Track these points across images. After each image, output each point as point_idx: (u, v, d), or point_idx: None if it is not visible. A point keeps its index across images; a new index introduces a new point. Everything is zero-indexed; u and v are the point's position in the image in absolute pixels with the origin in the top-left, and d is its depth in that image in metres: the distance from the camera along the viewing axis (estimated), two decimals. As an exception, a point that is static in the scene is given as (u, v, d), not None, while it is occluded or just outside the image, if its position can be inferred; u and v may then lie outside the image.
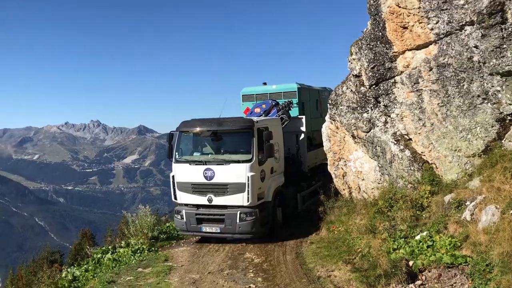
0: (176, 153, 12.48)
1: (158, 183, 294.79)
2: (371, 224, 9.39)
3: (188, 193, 12.04)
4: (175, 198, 12.36)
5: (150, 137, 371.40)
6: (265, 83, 15.73)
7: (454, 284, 6.34)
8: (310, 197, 14.83)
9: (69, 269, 12.00)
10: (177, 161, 12.37)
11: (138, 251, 11.70)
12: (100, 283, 9.23)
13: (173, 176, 12.33)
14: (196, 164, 11.95)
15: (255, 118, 12.70)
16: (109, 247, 12.69)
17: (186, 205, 12.17)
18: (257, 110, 14.06)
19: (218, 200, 11.68)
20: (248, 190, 11.37)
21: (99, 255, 12.02)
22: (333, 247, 9.50)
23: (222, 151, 12.35)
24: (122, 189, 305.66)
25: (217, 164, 11.75)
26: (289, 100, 14.67)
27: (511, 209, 6.56)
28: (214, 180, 11.64)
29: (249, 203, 11.41)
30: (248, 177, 11.38)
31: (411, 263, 7.18)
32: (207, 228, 11.86)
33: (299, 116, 14.84)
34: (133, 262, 10.87)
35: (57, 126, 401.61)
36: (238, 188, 11.45)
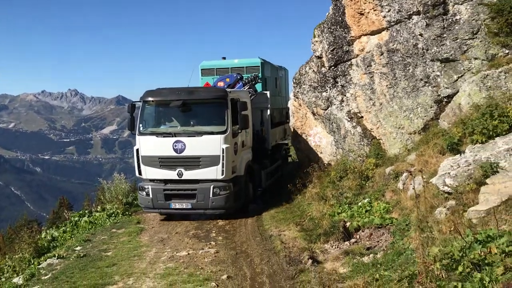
0: (140, 125, 11.54)
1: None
2: (323, 192, 10.52)
3: (155, 168, 11.26)
4: (140, 173, 11.55)
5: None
6: (224, 58, 15.02)
7: (380, 240, 7.49)
8: (271, 175, 14.20)
9: (47, 231, 12.92)
10: (141, 134, 11.46)
11: (113, 215, 12.64)
12: (77, 241, 10.17)
13: (137, 150, 11.47)
14: (164, 137, 11.17)
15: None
16: (86, 211, 13.60)
17: (152, 180, 11.42)
18: (220, 83, 13.15)
19: (189, 174, 11.00)
20: (222, 163, 10.79)
21: (76, 218, 12.93)
22: (289, 212, 10.63)
23: (191, 123, 11.53)
24: (100, 159, 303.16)
25: (188, 136, 10.99)
26: (255, 74, 13.87)
27: (431, 179, 7.70)
28: (185, 153, 10.94)
29: (223, 176, 10.84)
30: (222, 149, 10.76)
31: (348, 224, 8.32)
32: (177, 205, 11.16)
33: (264, 92, 14.08)
34: (108, 224, 11.84)
35: (33, 94, 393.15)
36: (211, 161, 10.85)
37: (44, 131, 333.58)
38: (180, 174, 11.03)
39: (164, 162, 11.14)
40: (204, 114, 11.66)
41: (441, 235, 5.94)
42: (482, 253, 4.73)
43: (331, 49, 12.25)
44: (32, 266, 8.89)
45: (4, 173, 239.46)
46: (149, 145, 11.31)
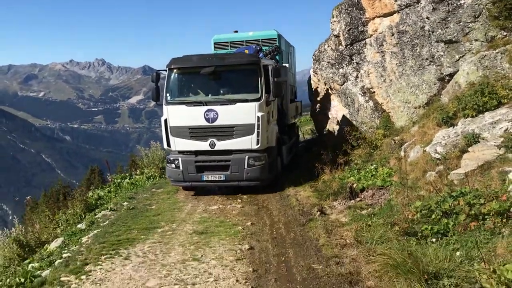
0: (167, 94, 11.03)
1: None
2: (333, 160, 11.87)
3: (185, 139, 10.77)
4: (168, 145, 11.07)
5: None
6: (236, 31, 14.67)
7: (380, 199, 8.84)
8: (289, 151, 13.91)
9: (94, 190, 14.73)
10: (169, 103, 10.93)
11: (151, 178, 14.33)
12: (123, 199, 11.86)
13: (165, 120, 10.92)
14: (194, 105, 10.68)
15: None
16: (127, 174, 15.34)
17: (182, 152, 10.97)
18: None
19: (222, 145, 10.58)
20: (257, 132, 10.41)
21: (118, 180, 14.72)
22: (307, 176, 12.01)
23: (223, 90, 11.07)
24: (128, 129, 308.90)
25: (220, 104, 10.51)
26: (276, 45, 13.63)
27: (427, 147, 8.98)
28: (217, 122, 10.45)
29: (258, 146, 10.49)
30: (258, 117, 10.37)
31: (354, 186, 9.69)
32: (210, 177, 10.74)
33: (284, 64, 14.06)
34: (147, 185, 13.53)
35: (61, 64, 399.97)
36: (246, 130, 10.44)
37: (73, 100, 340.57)
38: (212, 145, 10.61)
39: (195, 132, 10.68)
40: (236, 81, 11.13)
41: (428, 193, 7.30)
42: (452, 205, 6.09)
43: (348, 29, 13.36)
44: (89, 216, 10.64)
45: (35, 141, 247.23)
46: (178, 115, 10.81)
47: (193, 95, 11.27)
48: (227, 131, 10.55)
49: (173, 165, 11.01)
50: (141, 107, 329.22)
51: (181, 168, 10.87)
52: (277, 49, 13.51)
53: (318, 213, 8.06)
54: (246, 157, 10.56)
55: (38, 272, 6.43)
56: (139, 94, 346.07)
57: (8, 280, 6.26)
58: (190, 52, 11.09)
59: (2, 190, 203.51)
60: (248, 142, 10.52)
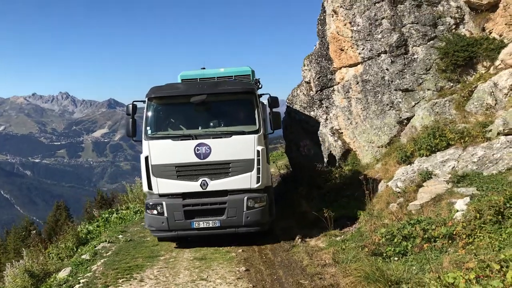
0: (148, 128, 9.57)
1: (128, 158, 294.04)
2: (309, 193, 13.27)
3: (171, 179, 9.26)
4: (150, 188, 9.37)
5: (121, 111, 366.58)
6: (203, 68, 13.05)
7: (351, 227, 10.22)
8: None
9: (83, 225, 15.57)
10: (151, 138, 9.45)
11: (138, 212, 15.30)
12: (115, 232, 12.81)
13: (146, 158, 9.31)
14: (182, 140, 9.36)
15: None
16: (113, 209, 16.25)
17: (165, 195, 9.37)
18: None
19: (216, 185, 9.22)
20: (257, 168, 9.22)
21: (106, 215, 15.61)
22: (286, 209, 13.22)
23: (212, 123, 9.87)
24: (91, 163, 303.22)
25: (213, 138, 9.31)
26: (257, 78, 12.66)
27: (389, 182, 10.50)
28: (210, 158, 9.15)
29: (258, 185, 9.28)
30: (257, 151, 9.23)
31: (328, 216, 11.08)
32: (201, 223, 9.24)
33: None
34: (136, 219, 14.51)
35: (24, 97, 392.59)
36: (244, 166, 9.24)
37: (35, 134, 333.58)
38: (204, 185, 9.20)
39: (183, 171, 9.24)
40: (229, 112, 10.09)
41: (391, 221, 8.75)
42: (410, 230, 7.53)
43: (318, 77, 15.05)
44: (87, 248, 11.55)
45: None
46: (162, 151, 9.34)
47: (179, 128, 9.97)
48: (222, 169, 9.23)
49: (155, 211, 9.32)
50: (106, 140, 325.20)
51: (165, 214, 9.23)
52: (257, 83, 12.75)
53: (299, 240, 9.36)
54: (245, 198, 9.22)
55: (61, 296, 7.42)
56: (103, 127, 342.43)
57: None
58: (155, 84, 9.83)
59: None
60: (247, 180, 9.25)
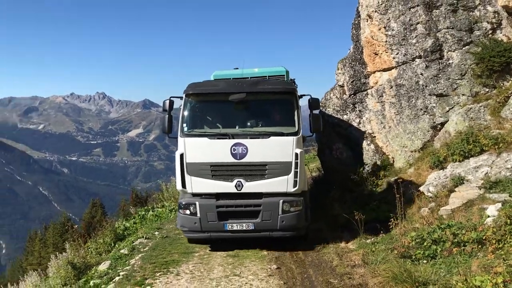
0: (184, 125, 9.42)
1: (162, 157, 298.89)
2: (340, 196, 13.41)
3: (205, 178, 9.07)
4: (183, 186, 9.25)
5: (155, 111, 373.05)
6: (236, 68, 12.74)
7: (382, 230, 10.33)
8: None
9: (120, 222, 16.16)
10: (187, 135, 9.28)
11: (173, 210, 15.77)
12: (151, 229, 13.29)
13: (181, 155, 9.17)
14: (218, 138, 9.17)
15: None
16: (149, 207, 16.80)
17: (198, 195, 9.23)
18: None
19: (251, 186, 9.00)
20: (295, 172, 8.95)
21: (143, 213, 16.16)
22: (318, 211, 13.34)
23: (249, 123, 9.58)
24: (126, 162, 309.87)
25: (250, 138, 9.07)
26: (293, 79, 12.30)
27: (421, 187, 10.54)
28: (246, 159, 8.95)
29: (295, 189, 8.99)
30: (296, 154, 8.96)
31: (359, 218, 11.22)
32: (235, 226, 9.04)
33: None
34: (171, 217, 14.97)
35: (62, 97, 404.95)
36: (281, 169, 8.97)
37: (72, 133, 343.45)
38: (239, 186, 9.00)
39: (218, 170, 9.06)
40: (268, 112, 9.88)
41: (421, 225, 8.84)
42: (440, 234, 7.63)
43: (351, 80, 15.15)
44: (124, 244, 12.06)
45: (33, 174, 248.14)
46: (197, 149, 9.17)
47: (216, 126, 9.79)
48: (258, 170, 9.03)
49: (188, 211, 9.18)
50: (140, 140, 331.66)
51: (198, 214, 9.06)
52: (293, 83, 12.06)
53: (331, 240, 9.56)
54: (281, 202, 8.97)
55: (103, 286, 7.87)
56: (138, 127, 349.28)
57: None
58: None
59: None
60: (283, 183, 9.00)
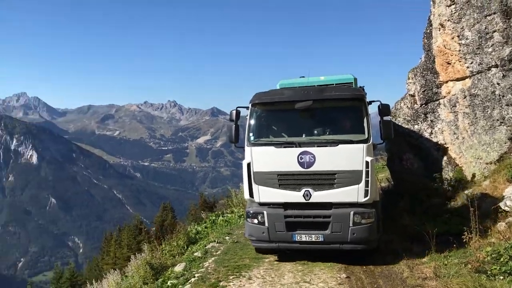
0: (251, 134, 9.45)
1: (228, 164, 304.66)
2: (411, 207, 13.20)
3: (273, 188, 8.98)
4: (251, 195, 9.20)
5: (223, 119, 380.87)
6: (302, 77, 12.56)
7: (454, 243, 10.11)
8: None
9: (192, 226, 16.89)
10: (253, 144, 9.29)
11: (242, 216, 16.25)
12: (222, 234, 13.82)
13: (248, 164, 9.16)
14: (285, 147, 9.07)
15: None
16: (219, 212, 17.41)
17: (266, 204, 9.13)
18: None
19: (319, 196, 8.77)
20: (366, 181, 8.62)
21: (213, 218, 16.79)
22: (387, 222, 13.33)
23: (316, 131, 9.39)
24: (194, 167, 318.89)
25: (318, 146, 8.87)
26: (362, 86, 11.80)
27: (498, 201, 10.22)
28: (314, 168, 8.73)
29: (366, 199, 8.67)
30: (366, 162, 8.63)
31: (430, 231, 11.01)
32: (303, 236, 8.83)
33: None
34: (240, 223, 15.45)
35: (136, 105, 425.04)
36: (351, 178, 8.67)
37: (145, 139, 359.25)
38: (307, 196, 8.79)
39: (285, 179, 8.95)
40: (336, 119, 9.59)
41: (497, 240, 8.61)
42: (518, 250, 7.42)
43: (423, 90, 14.90)
44: (197, 247, 12.64)
45: (109, 178, 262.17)
46: (264, 158, 9.13)
47: (282, 135, 9.64)
48: (327, 179, 8.79)
49: (256, 221, 9.12)
50: (208, 147, 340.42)
51: (266, 224, 8.98)
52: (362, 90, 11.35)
53: (401, 252, 9.51)
54: (352, 213, 8.64)
55: (180, 286, 8.39)
56: (206, 134, 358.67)
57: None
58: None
59: (75, 224, 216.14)
60: (354, 193, 8.68)
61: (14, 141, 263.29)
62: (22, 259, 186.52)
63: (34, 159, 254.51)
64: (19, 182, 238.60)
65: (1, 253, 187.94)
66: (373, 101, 9.66)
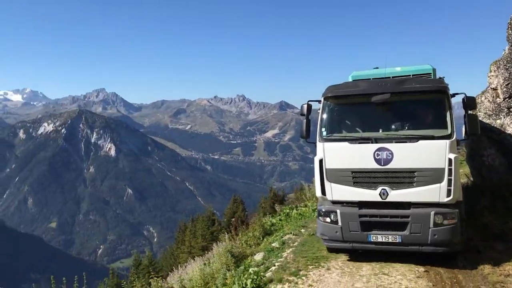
0: (323, 129, 9.03)
1: (297, 158, 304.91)
2: (492, 204, 12.83)
3: (346, 185, 8.56)
4: (323, 193, 8.82)
5: (291, 112, 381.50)
6: (377, 68, 11.66)
7: None
8: None
9: (267, 218, 17.44)
10: (326, 140, 8.88)
11: (315, 210, 16.52)
12: (297, 227, 14.19)
13: (320, 161, 8.78)
14: (360, 143, 8.56)
15: None
16: (293, 206, 17.81)
17: (339, 203, 8.73)
18: None
19: (397, 195, 8.26)
20: (448, 180, 7.98)
21: (287, 211, 17.22)
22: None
23: (394, 125, 8.76)
24: (263, 161, 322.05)
25: (396, 142, 8.31)
26: (441, 77, 10.84)
27: None
28: (392, 165, 8.24)
29: (449, 199, 8.04)
30: (449, 159, 8.00)
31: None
32: (380, 237, 8.40)
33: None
34: (314, 216, 15.73)
35: (207, 100, 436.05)
36: (432, 176, 8.08)
37: (215, 133, 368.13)
38: (384, 195, 8.31)
39: (360, 177, 8.50)
40: (415, 113, 8.97)
41: None
42: None
43: (506, 83, 14.35)
44: (273, 238, 13.12)
45: (181, 170, 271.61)
46: (337, 154, 8.69)
47: (356, 130, 9.11)
48: (405, 177, 8.23)
49: (328, 219, 8.77)
50: (276, 141, 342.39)
51: (339, 223, 8.62)
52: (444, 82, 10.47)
53: (482, 249, 9.40)
54: (432, 213, 8.08)
55: (262, 273, 8.87)
56: (274, 128, 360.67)
57: (242, 276, 8.77)
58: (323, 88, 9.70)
59: (150, 214, 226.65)
60: (435, 193, 8.07)
61: (94, 135, 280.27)
62: (101, 246, 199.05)
63: (113, 152, 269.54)
64: (99, 173, 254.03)
65: (84, 240, 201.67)
66: (457, 94, 9.01)
